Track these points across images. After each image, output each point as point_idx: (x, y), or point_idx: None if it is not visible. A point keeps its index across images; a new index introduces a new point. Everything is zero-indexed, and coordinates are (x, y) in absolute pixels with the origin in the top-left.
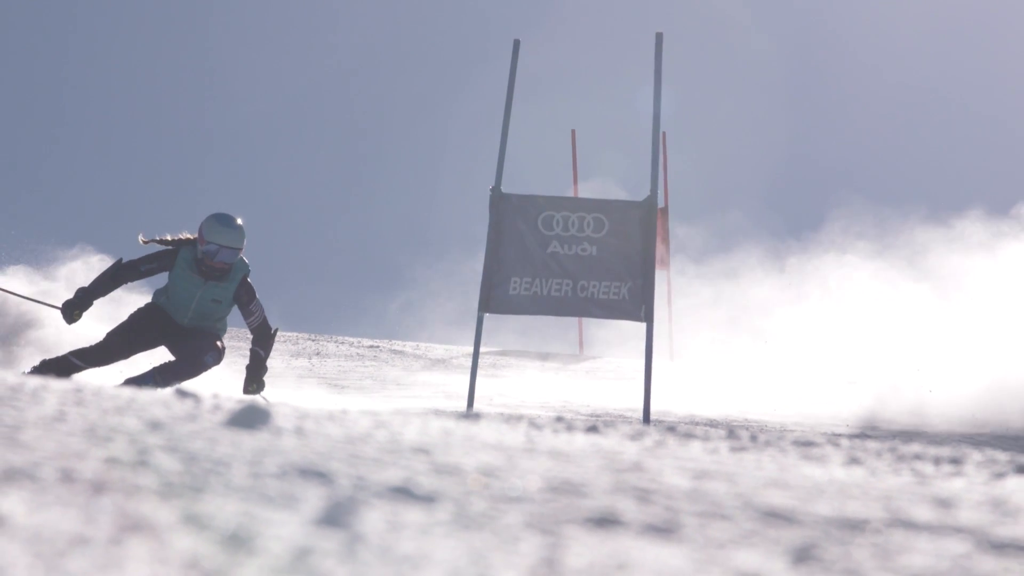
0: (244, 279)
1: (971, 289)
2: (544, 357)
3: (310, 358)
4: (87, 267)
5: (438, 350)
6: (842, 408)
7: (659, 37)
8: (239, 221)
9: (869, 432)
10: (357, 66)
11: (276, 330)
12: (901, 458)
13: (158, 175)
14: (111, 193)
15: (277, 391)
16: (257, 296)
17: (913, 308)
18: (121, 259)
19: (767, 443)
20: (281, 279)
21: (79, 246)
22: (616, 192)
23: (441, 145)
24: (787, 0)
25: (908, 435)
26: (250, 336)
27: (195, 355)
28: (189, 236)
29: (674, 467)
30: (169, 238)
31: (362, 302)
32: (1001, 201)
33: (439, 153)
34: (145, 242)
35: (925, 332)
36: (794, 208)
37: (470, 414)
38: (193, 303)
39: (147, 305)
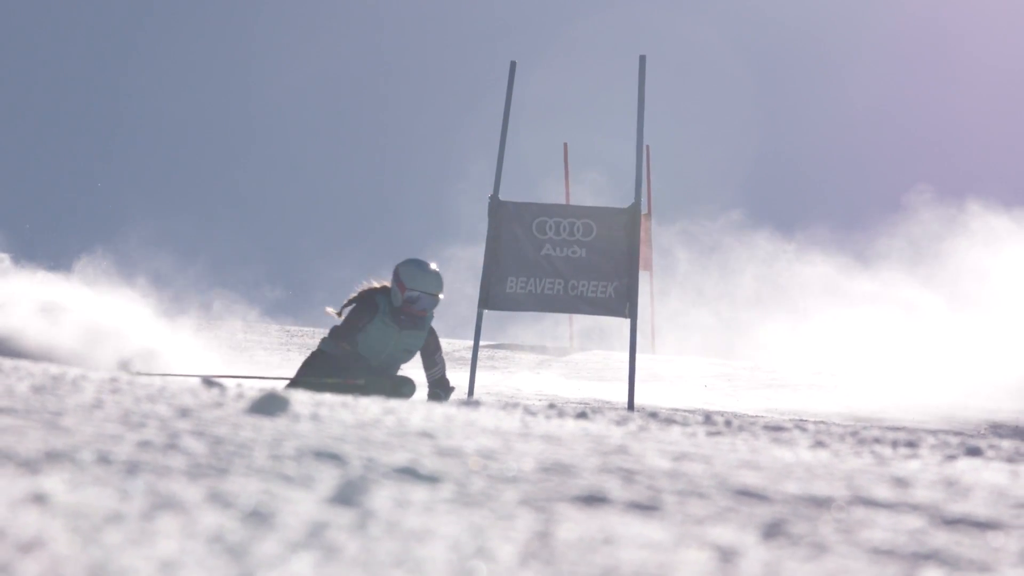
0: (432, 328)
1: (931, 300)
2: (538, 350)
3: None
4: (95, 266)
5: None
6: (813, 403)
7: (642, 60)
8: (433, 266)
9: (835, 419)
10: (374, 87)
11: (454, 388)
12: (862, 441)
13: (172, 184)
14: (120, 190)
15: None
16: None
17: (881, 311)
18: (336, 326)
19: (740, 428)
20: (299, 280)
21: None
22: (604, 199)
23: (444, 157)
24: (758, 26)
25: (871, 424)
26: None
27: (394, 389)
28: (376, 285)
29: (656, 450)
30: (354, 295)
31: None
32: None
33: (444, 164)
34: (338, 313)
35: (898, 334)
36: (769, 213)
37: (470, 402)
38: (385, 353)
39: (318, 352)
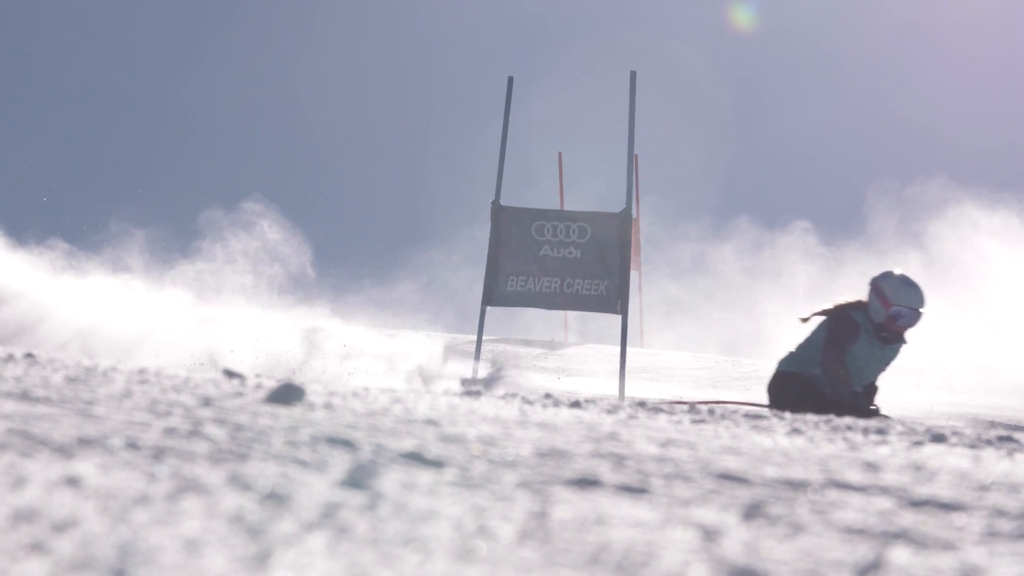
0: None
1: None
2: (535, 344)
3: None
4: (119, 245)
5: (445, 337)
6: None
7: (633, 75)
8: (915, 279)
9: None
10: (382, 101)
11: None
12: (835, 429)
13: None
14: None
15: (306, 373)
16: None
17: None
18: (808, 347)
19: (722, 416)
20: (320, 279)
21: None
22: (596, 205)
23: (449, 165)
24: (739, 43)
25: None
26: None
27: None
28: (851, 300)
29: (644, 436)
30: (824, 308)
31: (381, 298)
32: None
33: (449, 172)
34: (805, 320)
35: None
36: (750, 215)
37: (472, 392)
38: (868, 371)
39: (787, 374)
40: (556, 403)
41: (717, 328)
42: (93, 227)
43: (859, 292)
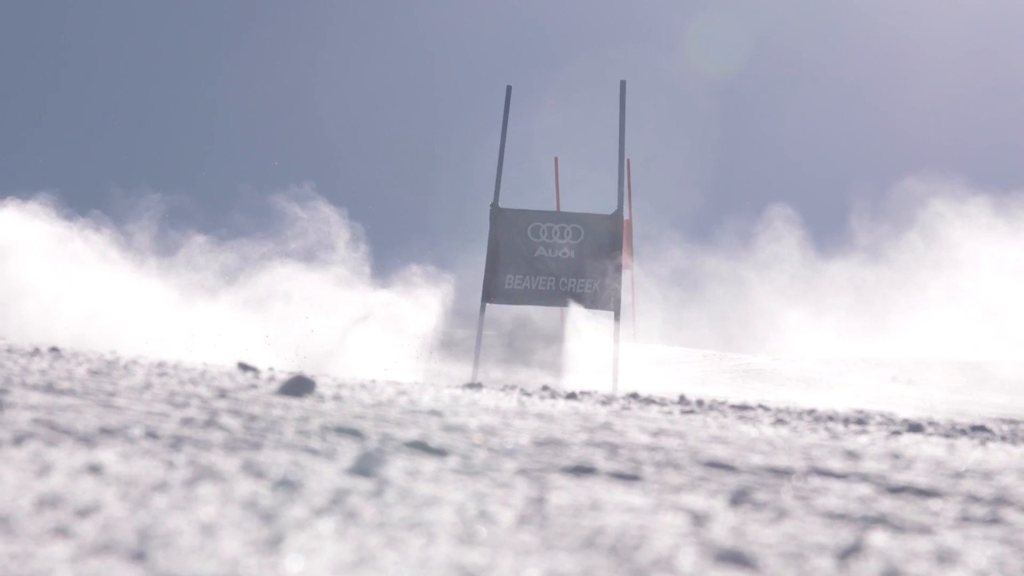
0: None
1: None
2: (532, 340)
3: None
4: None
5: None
6: (776, 388)
7: (623, 84)
8: None
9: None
10: (395, 109)
11: None
12: (817, 419)
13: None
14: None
15: (314, 368)
16: None
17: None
18: None
19: (711, 407)
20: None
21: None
22: (590, 207)
23: (449, 168)
24: (727, 51)
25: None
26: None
27: None
28: None
29: (637, 426)
30: None
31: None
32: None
33: (450, 175)
34: None
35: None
36: (736, 214)
37: (474, 384)
38: None
39: None
40: (553, 395)
41: (707, 324)
42: (118, 211)
43: (853, 290)
